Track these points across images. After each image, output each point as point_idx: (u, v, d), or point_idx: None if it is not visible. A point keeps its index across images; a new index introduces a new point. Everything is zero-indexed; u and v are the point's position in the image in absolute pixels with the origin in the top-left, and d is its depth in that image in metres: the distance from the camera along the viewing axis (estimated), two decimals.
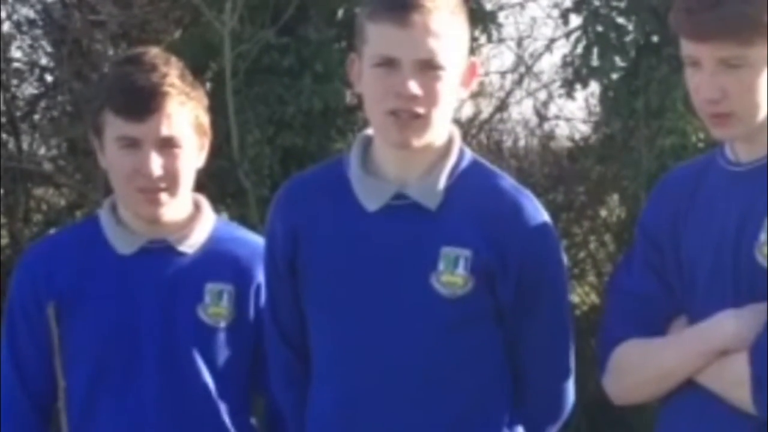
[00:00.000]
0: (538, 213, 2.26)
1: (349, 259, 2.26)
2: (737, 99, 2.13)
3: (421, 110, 2.19)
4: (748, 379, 2.09)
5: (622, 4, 5.91)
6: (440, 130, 2.24)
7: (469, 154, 2.29)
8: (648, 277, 2.23)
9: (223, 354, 2.43)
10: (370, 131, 2.31)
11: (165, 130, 2.38)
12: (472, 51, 2.26)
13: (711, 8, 2.10)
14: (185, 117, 2.41)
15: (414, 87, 2.18)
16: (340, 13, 5.97)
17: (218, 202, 5.60)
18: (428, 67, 2.19)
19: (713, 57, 2.12)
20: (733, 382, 2.11)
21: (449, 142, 2.27)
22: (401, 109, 2.19)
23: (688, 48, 2.15)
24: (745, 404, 2.10)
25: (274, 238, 2.35)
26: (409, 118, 2.19)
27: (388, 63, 2.19)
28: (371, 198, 2.25)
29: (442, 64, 2.19)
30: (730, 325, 2.12)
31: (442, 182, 2.24)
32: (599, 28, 5.91)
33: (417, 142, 2.21)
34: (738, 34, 2.10)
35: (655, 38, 5.90)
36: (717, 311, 2.14)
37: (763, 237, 2.11)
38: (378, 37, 2.20)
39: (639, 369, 2.20)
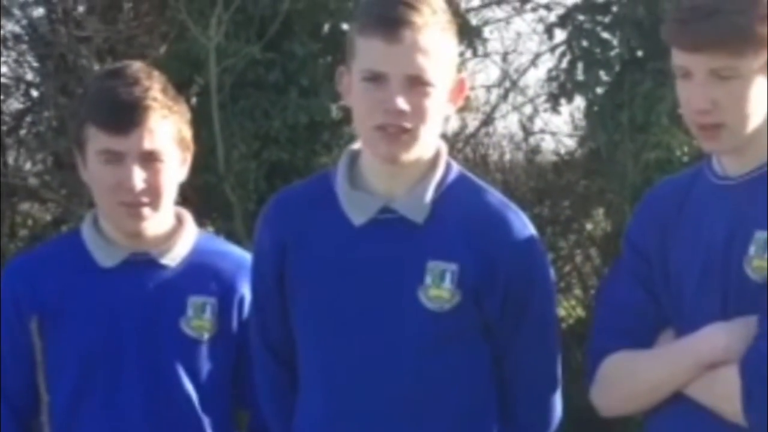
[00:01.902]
0: (525, 227, 2.26)
1: (336, 273, 2.26)
2: (728, 110, 2.12)
3: (408, 125, 2.19)
4: (739, 392, 2.09)
5: (607, 19, 5.94)
6: (427, 145, 2.25)
7: (456, 168, 2.30)
8: (635, 289, 2.23)
9: (206, 367, 2.43)
10: (357, 145, 2.31)
11: (147, 144, 2.38)
12: (458, 66, 2.27)
13: (704, 19, 2.10)
14: (168, 131, 2.41)
15: (402, 103, 2.18)
16: (326, 27, 5.99)
17: (204, 217, 5.60)
18: (416, 83, 2.19)
19: (705, 68, 2.12)
20: (723, 395, 2.11)
21: (436, 156, 2.27)
22: (389, 124, 2.19)
23: (679, 58, 2.15)
24: (736, 417, 2.10)
25: (262, 253, 2.35)
26: (397, 132, 2.20)
27: (377, 78, 2.19)
28: (358, 212, 2.26)
29: (430, 81, 2.19)
30: (720, 338, 2.12)
31: (429, 196, 2.25)
32: (584, 43, 5.94)
33: (405, 157, 2.22)
34: (731, 45, 2.10)
35: (639, 53, 5.93)
36: (705, 324, 2.14)
37: (752, 250, 2.12)
38: (367, 51, 2.20)
39: (627, 381, 2.20)
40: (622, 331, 2.22)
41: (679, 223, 2.21)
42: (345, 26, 5.84)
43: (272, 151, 5.82)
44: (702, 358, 2.13)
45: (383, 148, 2.21)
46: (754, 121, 2.14)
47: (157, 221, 2.44)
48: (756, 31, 2.11)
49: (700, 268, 2.16)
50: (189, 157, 2.48)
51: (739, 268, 2.13)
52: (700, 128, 2.15)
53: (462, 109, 6.92)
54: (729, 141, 2.15)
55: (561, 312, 6.74)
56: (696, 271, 2.17)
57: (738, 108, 2.13)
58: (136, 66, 2.45)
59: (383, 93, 2.19)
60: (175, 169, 2.44)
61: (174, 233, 2.48)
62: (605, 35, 5.95)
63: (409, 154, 2.22)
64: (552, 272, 2.31)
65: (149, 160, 2.39)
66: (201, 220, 2.38)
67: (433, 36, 2.18)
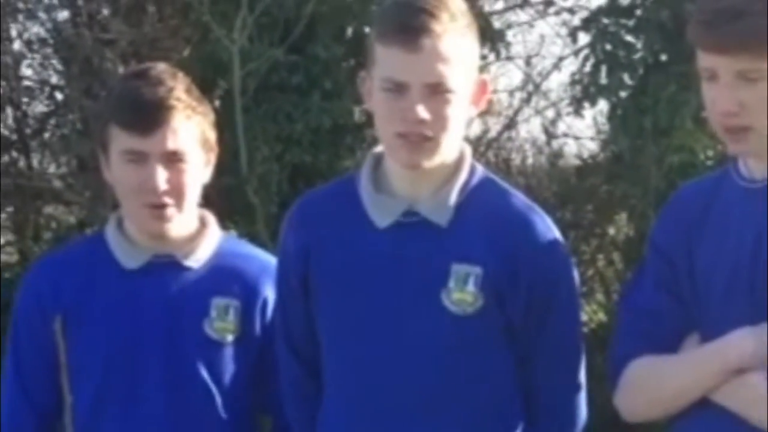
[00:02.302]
0: (549, 230, 2.25)
1: (359, 277, 2.26)
2: (754, 112, 2.11)
3: (429, 133, 2.19)
4: (766, 398, 2.07)
5: (631, 23, 5.92)
6: (450, 150, 2.24)
7: (480, 171, 2.29)
8: (660, 294, 2.21)
9: (228, 369, 2.43)
10: (380, 148, 2.31)
11: (171, 144, 2.37)
12: (480, 69, 2.26)
13: (730, 21, 2.09)
14: (191, 131, 2.40)
15: (422, 111, 2.17)
16: (349, 31, 6.00)
17: (226, 219, 5.60)
18: (437, 91, 2.18)
19: (731, 69, 2.10)
20: (750, 400, 2.09)
21: (460, 159, 2.27)
22: (410, 132, 2.19)
23: (705, 60, 2.13)
24: (762, 423, 2.08)
25: (287, 256, 2.35)
26: (418, 141, 2.19)
27: (397, 87, 2.18)
28: (381, 215, 2.25)
29: (451, 88, 2.18)
30: (748, 343, 2.10)
31: (453, 199, 2.24)
32: (608, 47, 5.92)
33: (426, 164, 2.21)
34: (756, 47, 2.09)
35: (663, 56, 5.91)
36: (732, 329, 2.12)
37: None
38: (387, 60, 2.19)
39: (653, 386, 2.18)
40: (645, 335, 2.20)
41: (705, 226, 2.20)
42: (368, 30, 5.82)
43: (295, 153, 5.83)
44: (729, 364, 2.11)
45: (404, 155, 2.21)
46: None
47: (180, 223, 2.43)
48: None
49: (728, 272, 2.15)
50: (213, 159, 2.47)
51: (766, 273, 2.11)
52: (726, 131, 2.14)
53: (484, 113, 6.91)
54: (756, 143, 2.14)
55: (583, 316, 6.70)
56: (723, 275, 2.15)
57: (763, 110, 2.11)
58: (161, 67, 2.44)
59: (403, 102, 2.18)
60: (198, 170, 2.44)
61: (197, 235, 2.48)
62: (629, 38, 5.93)
63: (431, 162, 2.21)
64: (576, 275, 2.30)
65: (173, 160, 2.38)
66: (223, 223, 2.39)
67: (453, 42, 2.17)
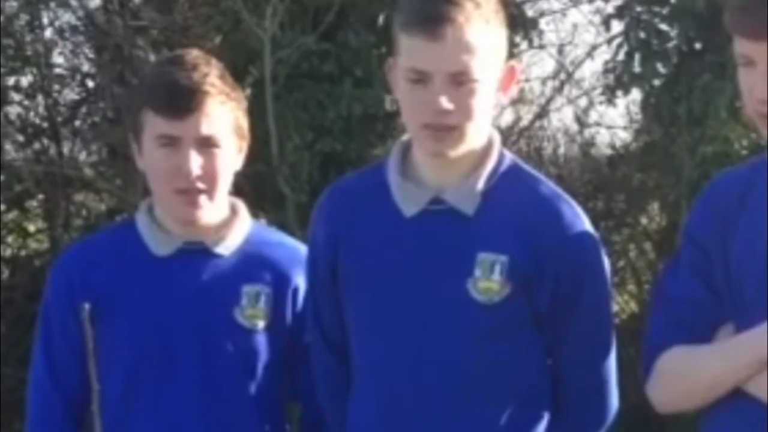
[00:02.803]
0: (578, 219, 2.23)
1: (387, 265, 2.25)
2: None
3: (453, 123, 2.18)
4: None
5: (665, 11, 5.87)
6: (477, 138, 2.23)
7: (509, 158, 2.27)
8: (695, 283, 2.19)
9: (260, 357, 2.43)
10: (407, 137, 2.30)
11: (205, 129, 2.37)
12: (513, 57, 2.23)
13: (767, 7, 2.06)
14: (225, 117, 2.40)
15: (445, 102, 2.16)
16: (381, 19, 5.97)
17: (257, 208, 5.60)
18: (461, 81, 2.17)
19: None
20: None
21: (488, 146, 2.25)
22: (434, 122, 2.18)
23: (742, 47, 2.11)
24: None
25: (316, 244, 2.35)
26: (444, 130, 2.18)
27: (420, 76, 2.17)
28: (409, 203, 2.24)
29: (475, 77, 2.17)
30: None
31: (480, 186, 2.23)
32: (641, 35, 5.87)
33: (452, 153, 2.21)
34: None
35: (697, 45, 5.85)
36: (766, 319, 2.09)
37: None
38: (410, 49, 2.18)
39: (685, 377, 2.17)
40: (680, 325, 2.18)
41: (741, 216, 2.17)
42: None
43: (326, 142, 5.82)
44: (762, 354, 2.09)
45: (430, 145, 2.20)
46: None
47: (211, 210, 2.43)
48: None
49: (762, 263, 2.12)
50: (245, 146, 2.47)
51: None
52: (761, 117, 2.11)
53: (516, 102, 6.89)
54: None
55: (614, 307, 6.68)
56: (758, 266, 2.13)
57: None
58: (195, 53, 2.44)
59: (427, 92, 2.17)
60: (231, 157, 2.43)
61: (228, 223, 2.47)
62: (663, 27, 5.88)
63: (456, 151, 2.21)
64: (607, 265, 2.27)
65: (206, 145, 2.38)
66: (253, 211, 2.39)
67: (477, 30, 2.16)
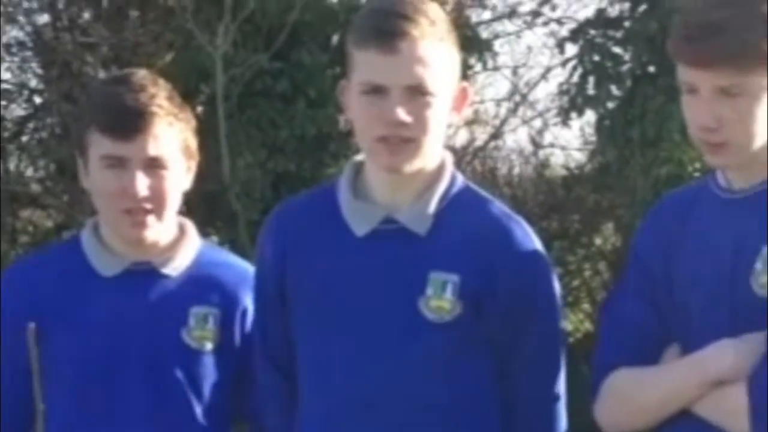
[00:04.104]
0: (528, 239, 2.24)
1: (337, 284, 2.25)
2: (734, 128, 2.11)
3: (411, 135, 2.18)
4: (747, 409, 2.06)
5: (619, 34, 5.93)
6: (431, 155, 2.23)
7: (460, 180, 2.28)
8: (641, 304, 2.21)
9: (207, 378, 2.41)
10: (361, 157, 2.31)
11: (152, 150, 2.35)
12: (467, 78, 2.23)
13: (712, 36, 2.08)
14: (173, 138, 2.39)
15: (402, 114, 2.17)
16: (334, 38, 5.98)
17: (208, 226, 5.57)
18: (417, 94, 2.18)
19: (711, 85, 2.09)
20: (731, 412, 2.08)
21: (441, 167, 2.26)
22: (391, 135, 2.18)
23: (686, 74, 2.12)
24: None
25: (264, 263, 2.34)
26: (399, 143, 2.19)
27: (376, 90, 2.18)
28: (360, 222, 2.24)
29: (430, 90, 2.18)
30: (728, 355, 2.09)
31: (432, 207, 2.24)
32: (595, 58, 5.93)
33: (408, 167, 2.21)
34: (738, 62, 2.08)
35: (651, 68, 5.92)
36: (712, 340, 2.11)
37: (759, 266, 2.09)
38: (365, 64, 2.19)
39: (633, 398, 2.17)
40: (626, 346, 2.20)
41: (685, 237, 2.19)
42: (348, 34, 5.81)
43: (279, 161, 5.81)
44: (709, 375, 2.10)
45: (386, 159, 2.20)
46: (759, 139, 2.12)
47: (159, 230, 2.41)
48: (764, 48, 2.08)
49: (708, 284, 2.14)
50: (193, 166, 2.46)
51: (746, 284, 2.10)
52: (705, 144, 2.14)
53: (471, 123, 6.91)
54: (734, 157, 2.13)
55: (569, 326, 6.72)
56: (703, 287, 2.15)
57: (744, 125, 2.10)
58: (142, 73, 2.43)
59: (383, 105, 2.18)
60: (179, 178, 2.41)
61: (176, 243, 2.45)
62: (617, 50, 5.95)
63: (412, 165, 2.21)
64: (558, 285, 2.28)
65: (153, 166, 2.36)
66: (205, 229, 2.36)
67: (431, 46, 2.18)
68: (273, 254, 2.31)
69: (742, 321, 2.09)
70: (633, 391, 2.16)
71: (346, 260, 2.24)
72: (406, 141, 2.18)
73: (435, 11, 2.21)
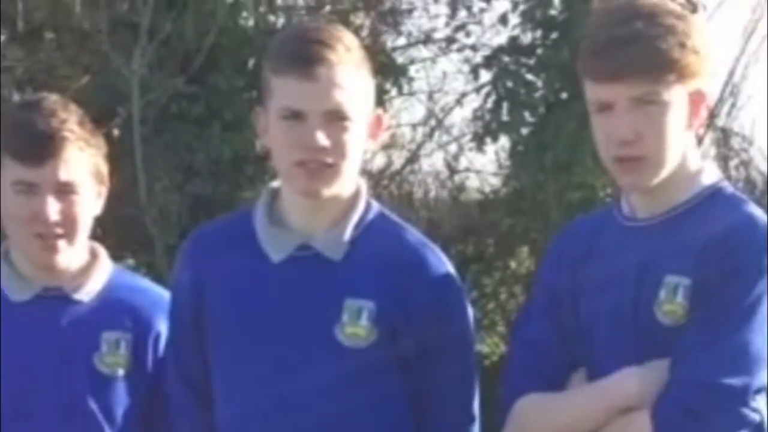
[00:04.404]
0: (442, 266, 2.27)
1: (254, 310, 2.25)
2: (650, 141, 2.12)
3: (329, 160, 2.20)
4: None
5: (531, 61, 6.02)
6: (348, 181, 2.25)
7: (375, 207, 2.30)
8: (547, 329, 2.24)
9: (120, 404, 2.40)
10: (277, 183, 2.32)
11: (63, 176, 2.36)
12: (383, 104, 2.27)
13: (624, 47, 2.10)
14: (84, 163, 2.39)
15: (322, 138, 2.19)
16: (251, 62, 5.99)
17: (125, 250, 5.54)
18: (335, 119, 2.20)
19: (626, 97, 2.11)
20: None
21: (356, 194, 2.28)
22: (310, 160, 2.20)
23: (598, 92, 2.13)
24: None
25: (180, 289, 2.34)
26: (318, 167, 2.20)
27: (295, 115, 2.20)
28: (276, 248, 2.25)
29: (348, 115, 2.20)
30: (633, 382, 2.12)
31: (348, 234, 2.25)
32: (509, 84, 6.00)
33: (326, 192, 2.22)
34: (652, 71, 2.10)
35: (563, 95, 6.01)
36: (617, 367, 2.15)
37: (662, 294, 2.13)
38: (283, 90, 2.21)
39: (541, 424, 2.20)
40: (534, 371, 2.23)
41: (590, 264, 2.22)
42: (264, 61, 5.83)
43: (195, 184, 5.80)
44: (614, 403, 2.13)
45: (304, 183, 2.22)
46: (671, 157, 2.15)
47: (71, 255, 2.41)
48: (675, 57, 2.12)
49: (611, 312, 2.17)
50: (104, 191, 2.46)
51: (650, 312, 2.13)
52: (619, 162, 2.14)
53: (388, 147, 6.96)
54: (647, 176, 2.15)
55: (485, 349, 6.77)
56: (606, 315, 2.18)
57: (660, 138, 2.13)
58: (53, 98, 2.43)
59: (302, 130, 2.19)
60: (90, 203, 2.41)
61: (88, 268, 2.45)
62: (530, 77, 6.02)
63: (330, 189, 2.22)
64: (471, 311, 2.31)
65: (64, 191, 2.36)
66: (121, 254, 2.37)
67: (349, 72, 2.20)
68: (189, 279, 2.31)
69: (646, 348, 2.13)
70: (541, 417, 2.19)
71: (262, 286, 2.24)
72: (324, 166, 2.20)
73: (350, 39, 2.24)
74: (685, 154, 2.18)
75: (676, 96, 2.13)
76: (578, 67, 2.17)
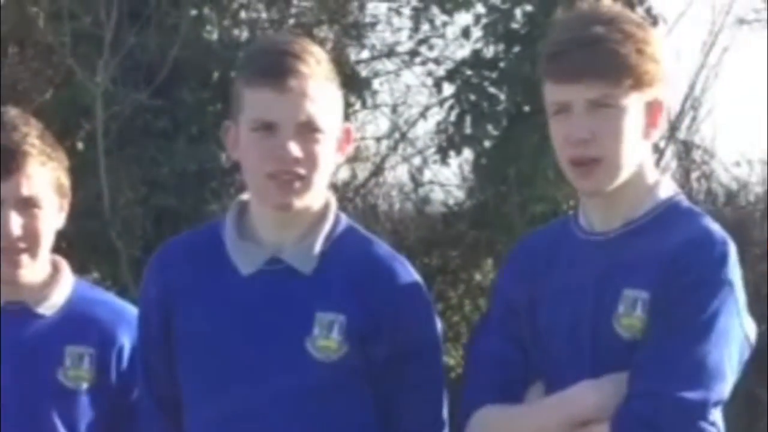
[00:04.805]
0: (411, 278, 2.29)
1: (223, 324, 2.25)
2: (606, 142, 2.14)
3: (302, 172, 2.21)
4: None
5: (494, 75, 6.05)
6: (318, 193, 2.26)
7: (344, 220, 2.31)
8: (505, 341, 2.25)
9: (84, 418, 2.40)
10: (245, 196, 2.32)
11: (25, 190, 2.35)
12: (348, 117, 2.29)
13: (582, 47, 2.13)
14: (46, 177, 2.39)
15: (294, 149, 2.19)
16: (215, 75, 5.99)
17: (89, 263, 5.52)
18: (307, 130, 2.21)
19: (584, 98, 2.12)
20: None
21: (325, 208, 2.29)
22: (282, 171, 2.20)
23: (557, 93, 2.15)
24: None
25: (148, 302, 2.34)
26: (290, 179, 2.21)
27: (267, 127, 2.20)
28: (246, 262, 2.26)
29: (320, 127, 2.21)
30: (591, 395, 2.14)
31: (318, 247, 2.26)
32: (472, 97, 6.03)
33: (298, 203, 2.23)
34: (609, 72, 2.13)
35: (526, 108, 6.04)
36: (575, 380, 2.16)
37: (621, 308, 2.14)
38: (256, 102, 2.21)
39: None
40: (491, 384, 2.23)
41: (547, 277, 2.23)
42: (234, 75, 5.83)
43: (159, 197, 5.79)
44: (573, 416, 2.14)
45: (276, 195, 2.22)
46: (627, 163, 2.16)
47: (33, 269, 2.40)
48: (633, 62, 2.14)
49: (569, 325, 2.19)
50: (66, 205, 2.45)
51: (608, 326, 2.15)
52: (575, 164, 2.16)
53: (352, 160, 6.97)
54: (603, 179, 2.16)
55: (450, 361, 6.78)
56: (565, 328, 2.19)
57: (616, 140, 2.14)
58: (14, 112, 2.42)
59: (274, 141, 2.20)
60: (52, 216, 2.41)
61: (50, 281, 2.45)
62: (492, 90, 6.06)
63: (302, 201, 2.23)
64: (439, 323, 2.33)
65: (27, 206, 2.36)
66: (86, 266, 2.37)
67: (320, 84, 2.22)
68: (157, 293, 2.31)
69: (604, 362, 2.14)
70: (500, 430, 2.20)
71: (232, 300, 2.24)
72: (295, 177, 2.20)
73: (320, 52, 2.26)
74: (642, 165, 2.20)
75: (633, 102, 2.15)
76: (539, 67, 2.19)
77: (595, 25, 2.15)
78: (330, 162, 2.25)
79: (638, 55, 2.15)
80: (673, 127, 7.41)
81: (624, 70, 2.13)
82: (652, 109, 2.19)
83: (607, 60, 2.12)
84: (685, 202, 2.24)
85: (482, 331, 2.32)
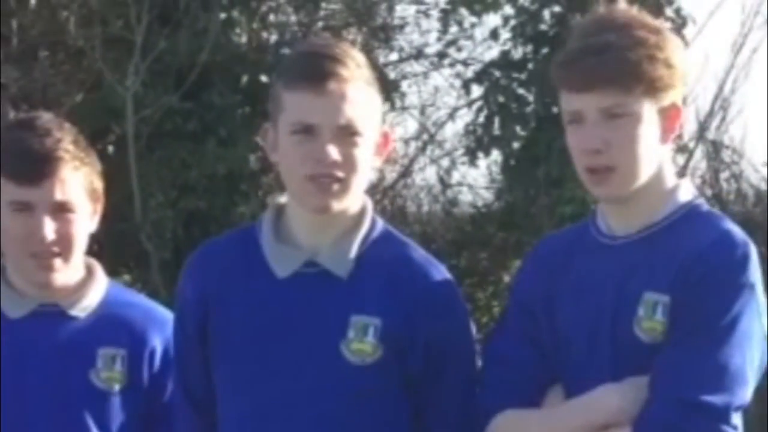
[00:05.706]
0: (447, 283, 2.29)
1: (258, 326, 2.26)
2: (619, 151, 2.13)
3: (340, 175, 2.22)
4: None
5: (523, 76, 6.05)
6: (356, 197, 2.27)
7: (380, 224, 2.31)
8: (522, 345, 2.24)
9: (116, 419, 2.42)
10: (282, 199, 2.33)
11: (59, 195, 2.37)
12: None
13: (594, 56, 2.12)
14: (79, 182, 2.41)
15: (333, 152, 2.20)
16: (244, 79, 6.02)
17: (120, 266, 5.56)
18: (346, 134, 2.21)
19: (596, 107, 2.12)
20: None
21: (362, 211, 2.29)
22: (321, 174, 2.21)
23: (571, 102, 2.14)
24: None
25: (185, 304, 2.35)
26: (329, 182, 2.22)
27: (307, 130, 2.21)
28: (282, 265, 2.26)
29: (359, 131, 2.21)
30: (613, 399, 2.13)
31: (354, 251, 2.26)
32: (500, 99, 6.03)
33: (336, 206, 2.23)
34: (621, 80, 2.12)
35: (554, 109, 6.03)
36: (595, 383, 2.15)
37: (641, 311, 2.13)
38: (295, 104, 2.22)
39: None
40: (509, 388, 2.22)
41: (566, 280, 2.22)
42: (263, 78, 5.87)
43: (190, 200, 5.82)
44: (594, 419, 2.13)
45: (315, 198, 2.23)
46: (643, 169, 2.16)
47: (67, 273, 2.42)
48: (644, 69, 2.13)
49: (589, 329, 2.18)
50: (99, 209, 2.47)
51: (629, 330, 2.14)
52: (590, 172, 2.15)
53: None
54: (619, 186, 2.15)
55: (479, 362, 6.77)
56: (585, 331, 2.18)
57: (630, 149, 2.13)
58: (47, 117, 2.44)
59: (314, 144, 2.21)
60: (85, 221, 2.43)
61: (84, 284, 2.46)
62: (521, 91, 6.05)
63: (340, 204, 2.23)
64: (473, 327, 2.32)
65: (60, 211, 2.38)
66: (116, 269, 2.39)
67: (360, 88, 2.22)
68: (194, 295, 2.32)
69: (624, 365, 2.13)
70: None
71: (268, 302, 2.25)
72: (334, 180, 2.21)
73: (360, 56, 2.25)
74: (660, 169, 2.19)
75: (647, 109, 2.14)
76: (552, 76, 2.18)
77: (607, 32, 2.14)
78: (368, 165, 2.25)
79: (650, 61, 2.13)
80: (703, 128, 7.38)
81: (634, 77, 2.12)
82: (669, 114, 2.18)
83: (617, 67, 2.11)
84: (705, 206, 2.23)
85: (498, 334, 2.30)
